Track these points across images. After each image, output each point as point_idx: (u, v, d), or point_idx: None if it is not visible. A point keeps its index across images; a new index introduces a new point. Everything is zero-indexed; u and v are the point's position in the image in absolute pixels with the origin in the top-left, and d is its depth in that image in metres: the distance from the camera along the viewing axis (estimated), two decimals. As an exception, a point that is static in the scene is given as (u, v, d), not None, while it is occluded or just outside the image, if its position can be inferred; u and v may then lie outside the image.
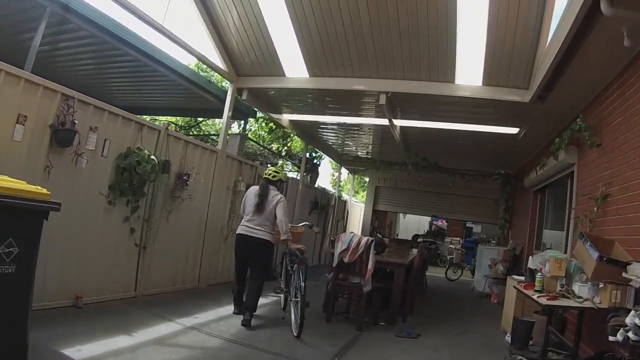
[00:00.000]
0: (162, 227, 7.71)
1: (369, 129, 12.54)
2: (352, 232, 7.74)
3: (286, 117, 12.01)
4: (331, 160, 19.51)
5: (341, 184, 19.87)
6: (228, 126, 9.52)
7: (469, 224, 29.02)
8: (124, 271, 7.12)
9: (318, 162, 16.77)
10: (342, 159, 17.68)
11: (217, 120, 14.63)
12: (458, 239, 27.42)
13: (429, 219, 28.04)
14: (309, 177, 15.46)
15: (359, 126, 12.38)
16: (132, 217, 7.07)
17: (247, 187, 9.45)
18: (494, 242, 19.61)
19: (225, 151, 9.45)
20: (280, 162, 15.23)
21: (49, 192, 4.40)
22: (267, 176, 7.20)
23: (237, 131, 13.04)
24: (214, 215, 9.18)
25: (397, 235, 25.75)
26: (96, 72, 10.56)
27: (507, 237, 14.86)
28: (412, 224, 28.77)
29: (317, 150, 16.18)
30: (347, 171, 20.50)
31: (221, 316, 7.05)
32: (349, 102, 10.18)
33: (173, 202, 7.91)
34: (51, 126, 5.67)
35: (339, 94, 9.52)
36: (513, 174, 15.00)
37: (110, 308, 6.47)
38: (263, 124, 14.29)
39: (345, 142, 15.09)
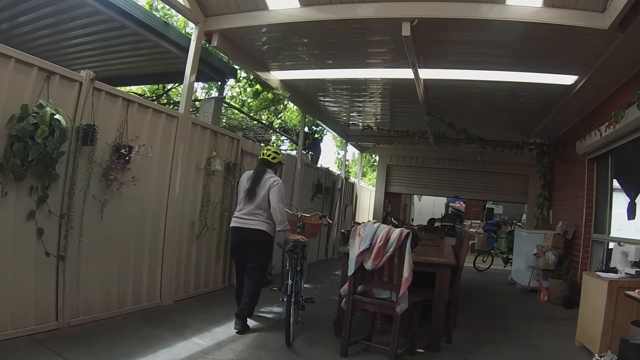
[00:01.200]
0: (92, 226, 5.29)
1: (382, 86, 10.01)
2: (374, 222, 5.18)
3: (275, 76, 9.47)
4: (335, 135, 17.09)
5: (347, 164, 17.32)
6: (192, 81, 6.95)
7: (489, 205, 27.15)
8: (32, 294, 4.72)
9: (320, 137, 14.18)
10: (347, 132, 15.22)
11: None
12: (478, 221, 25.41)
13: (444, 200, 26.23)
14: (309, 155, 12.96)
15: (367, 84, 9.85)
16: (38, 211, 4.65)
17: (227, 166, 7.52)
18: (519, 223, 18.37)
19: (190, 117, 6.93)
20: (273, 137, 12.69)
21: None
22: (264, 157, 6.18)
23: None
24: (178, 205, 6.73)
25: (412, 220, 23.36)
26: (51, 34, 8.09)
27: (548, 217, 12.59)
28: (427, 207, 26.66)
29: (318, 122, 13.54)
30: (354, 149, 18.09)
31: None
32: (357, 45, 7.65)
33: (107, 188, 5.44)
34: None
35: (342, 29, 7.03)
36: (551, 142, 12.75)
37: (4, 351, 4.14)
38: (247, 87, 11.42)
39: (351, 111, 12.58)
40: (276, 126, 12.75)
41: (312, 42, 7.78)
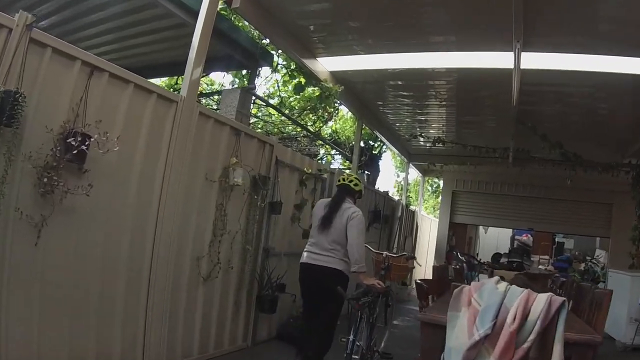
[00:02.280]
0: (16, 257, 3.31)
1: (447, 82, 7.87)
2: (497, 280, 2.84)
3: (324, 64, 7.38)
4: (395, 154, 14.88)
5: (408, 188, 15.12)
6: (202, 54, 4.84)
7: (559, 238, 24.42)
8: None
9: (379, 154, 11.96)
10: (409, 150, 13.12)
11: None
12: (546, 257, 22.73)
13: (509, 232, 23.64)
14: (364, 175, 10.82)
15: (432, 78, 7.70)
16: None
17: (253, 180, 5.76)
18: (593, 260, 16.73)
19: (196, 104, 4.83)
20: (321, 151, 10.58)
21: None
22: (345, 182, 5.32)
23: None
24: (174, 232, 4.62)
25: (477, 254, 20.87)
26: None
27: (646, 255, 10.15)
28: (490, 240, 24.11)
29: (377, 135, 11.26)
30: (415, 171, 15.83)
31: None
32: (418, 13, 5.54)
33: (44, 199, 3.38)
34: None
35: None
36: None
37: None
38: (287, 78, 9.02)
39: (414, 121, 10.44)
40: (325, 136, 10.59)
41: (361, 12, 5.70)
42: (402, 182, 14.82)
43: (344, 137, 11.15)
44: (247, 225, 5.65)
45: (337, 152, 10.92)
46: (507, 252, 20.38)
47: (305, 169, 6.94)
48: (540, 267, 19.11)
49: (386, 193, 12.03)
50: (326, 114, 8.29)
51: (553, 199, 14.11)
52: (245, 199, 5.62)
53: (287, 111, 8.63)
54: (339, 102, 8.71)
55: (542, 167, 10.62)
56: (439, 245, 15.66)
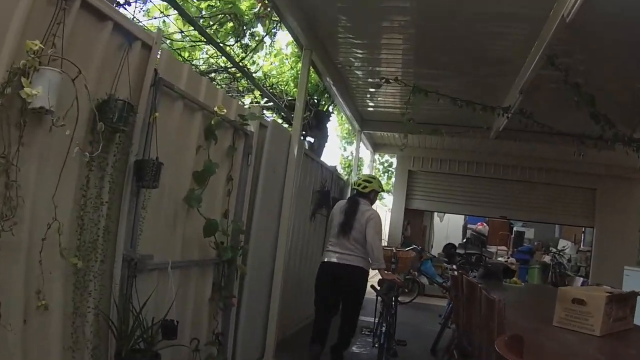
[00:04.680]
0: None
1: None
2: None
3: None
4: (342, 119, 12.46)
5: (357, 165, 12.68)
6: None
7: (517, 228, 23.23)
8: None
9: (327, 113, 9.17)
10: (362, 115, 10.55)
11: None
12: (504, 248, 21.51)
13: (460, 221, 22.58)
14: (306, 141, 8.19)
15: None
16: None
17: (97, 108, 2.79)
18: (560, 252, 16.68)
19: None
20: (246, 100, 7.80)
21: None
22: (355, 187, 6.01)
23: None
24: None
25: (432, 246, 19.12)
26: None
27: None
28: (440, 230, 22.46)
29: (327, 82, 8.25)
30: (368, 145, 13.42)
31: None
32: None
33: None
34: None
35: None
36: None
37: None
38: None
39: (372, 62, 7.81)
40: (256, 71, 7.75)
41: None
42: (351, 158, 12.33)
43: (279, 89, 8.29)
44: (81, 210, 2.65)
45: (270, 104, 8.08)
46: (462, 242, 19.10)
47: (216, 110, 3.88)
48: (499, 259, 17.90)
49: (334, 169, 9.38)
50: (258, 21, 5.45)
51: (529, 182, 13.12)
52: (71, 148, 2.54)
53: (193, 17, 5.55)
54: (277, 20, 5.91)
55: (542, 141, 9.10)
56: (392, 236, 13.67)
